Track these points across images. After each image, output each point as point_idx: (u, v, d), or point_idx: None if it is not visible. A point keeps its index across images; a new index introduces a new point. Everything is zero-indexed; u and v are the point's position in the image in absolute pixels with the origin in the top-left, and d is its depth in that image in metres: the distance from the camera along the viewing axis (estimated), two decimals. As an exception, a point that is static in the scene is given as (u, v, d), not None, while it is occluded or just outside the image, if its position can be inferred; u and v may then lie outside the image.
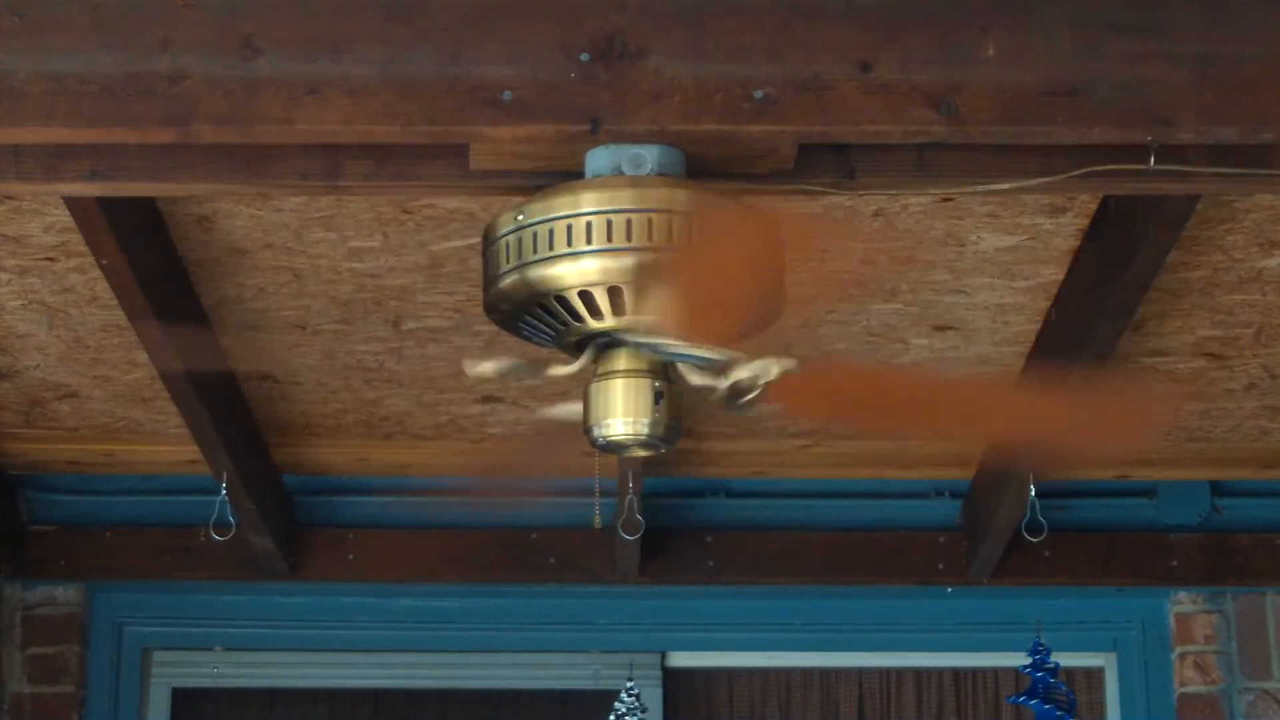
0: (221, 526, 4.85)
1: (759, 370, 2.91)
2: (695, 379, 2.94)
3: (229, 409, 4.65)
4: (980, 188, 3.12)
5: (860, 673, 5.52)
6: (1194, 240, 3.93)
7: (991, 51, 2.85)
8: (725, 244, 2.85)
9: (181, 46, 2.84)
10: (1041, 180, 3.06)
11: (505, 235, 2.90)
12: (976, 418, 3.37)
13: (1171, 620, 5.34)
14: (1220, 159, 3.03)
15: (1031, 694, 5.06)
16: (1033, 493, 4.74)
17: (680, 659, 5.47)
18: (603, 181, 2.88)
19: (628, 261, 2.83)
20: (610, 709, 5.13)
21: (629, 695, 5.13)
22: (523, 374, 3.06)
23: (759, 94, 2.83)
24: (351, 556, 5.31)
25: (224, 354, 4.35)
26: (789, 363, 2.91)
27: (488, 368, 3.05)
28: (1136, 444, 3.47)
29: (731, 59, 2.84)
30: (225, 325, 4.34)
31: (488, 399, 4.76)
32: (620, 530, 4.83)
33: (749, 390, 2.96)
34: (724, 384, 2.94)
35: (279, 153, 3.04)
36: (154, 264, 3.89)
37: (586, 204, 2.86)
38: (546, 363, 3.01)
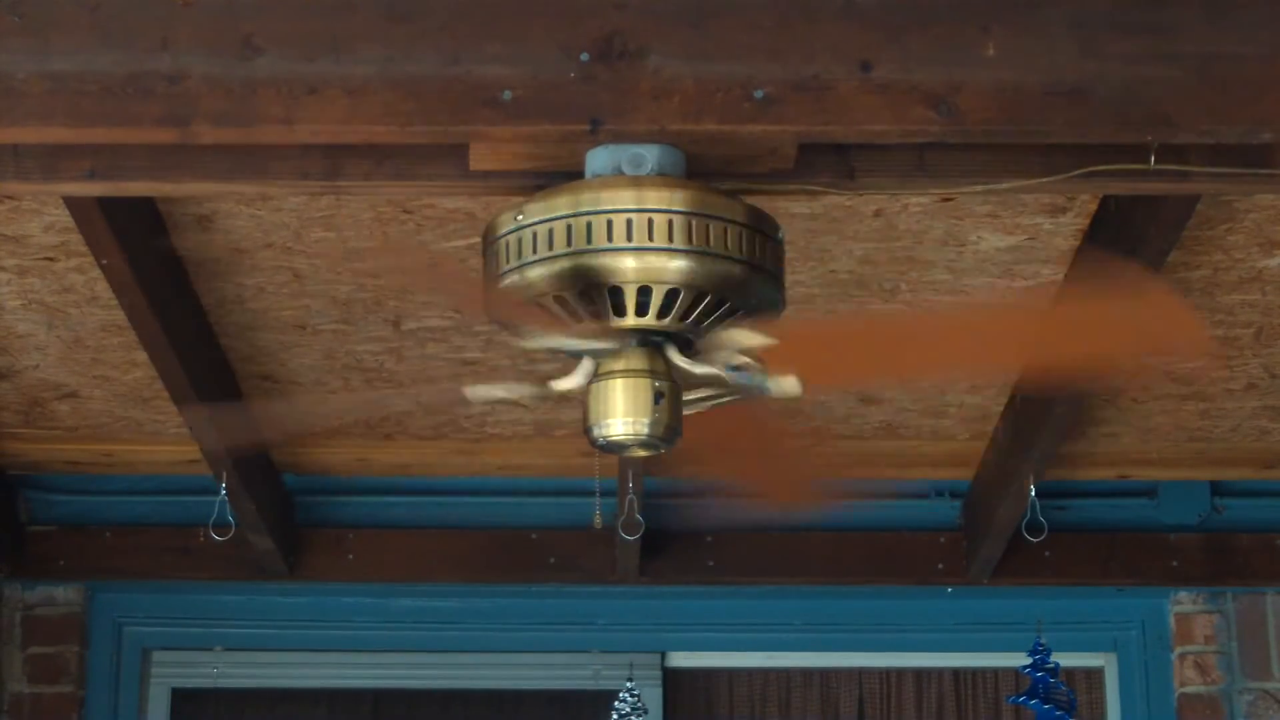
0: (221, 526, 4.84)
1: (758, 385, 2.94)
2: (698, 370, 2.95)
3: (229, 409, 4.65)
4: (980, 188, 3.12)
5: (860, 673, 5.52)
6: (1194, 240, 3.93)
7: (992, 51, 2.84)
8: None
9: (181, 46, 2.84)
10: (1041, 180, 3.06)
11: (505, 235, 2.90)
12: (1000, 347, 3.16)
13: (1171, 620, 5.34)
14: (1220, 159, 3.03)
15: (1031, 694, 5.06)
16: (1033, 493, 4.73)
17: (680, 659, 5.47)
18: (603, 181, 2.88)
19: (628, 262, 2.84)
20: (610, 709, 5.13)
21: (629, 695, 5.13)
22: (524, 394, 3.07)
23: (759, 94, 2.83)
24: (351, 556, 5.30)
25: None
26: (792, 385, 2.93)
27: (488, 391, 3.07)
28: (1184, 352, 3.23)
29: (731, 59, 2.84)
30: (225, 325, 4.34)
31: (487, 399, 4.75)
32: (620, 530, 4.83)
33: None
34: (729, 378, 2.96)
35: (279, 153, 3.04)
36: (154, 264, 3.89)
37: (586, 204, 2.85)
38: (544, 381, 3.02)
